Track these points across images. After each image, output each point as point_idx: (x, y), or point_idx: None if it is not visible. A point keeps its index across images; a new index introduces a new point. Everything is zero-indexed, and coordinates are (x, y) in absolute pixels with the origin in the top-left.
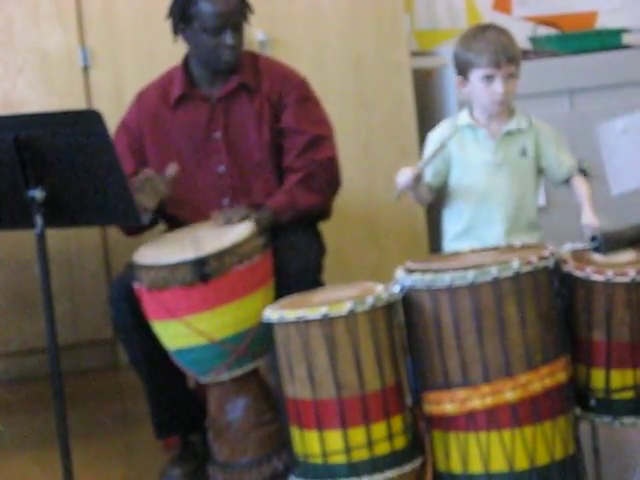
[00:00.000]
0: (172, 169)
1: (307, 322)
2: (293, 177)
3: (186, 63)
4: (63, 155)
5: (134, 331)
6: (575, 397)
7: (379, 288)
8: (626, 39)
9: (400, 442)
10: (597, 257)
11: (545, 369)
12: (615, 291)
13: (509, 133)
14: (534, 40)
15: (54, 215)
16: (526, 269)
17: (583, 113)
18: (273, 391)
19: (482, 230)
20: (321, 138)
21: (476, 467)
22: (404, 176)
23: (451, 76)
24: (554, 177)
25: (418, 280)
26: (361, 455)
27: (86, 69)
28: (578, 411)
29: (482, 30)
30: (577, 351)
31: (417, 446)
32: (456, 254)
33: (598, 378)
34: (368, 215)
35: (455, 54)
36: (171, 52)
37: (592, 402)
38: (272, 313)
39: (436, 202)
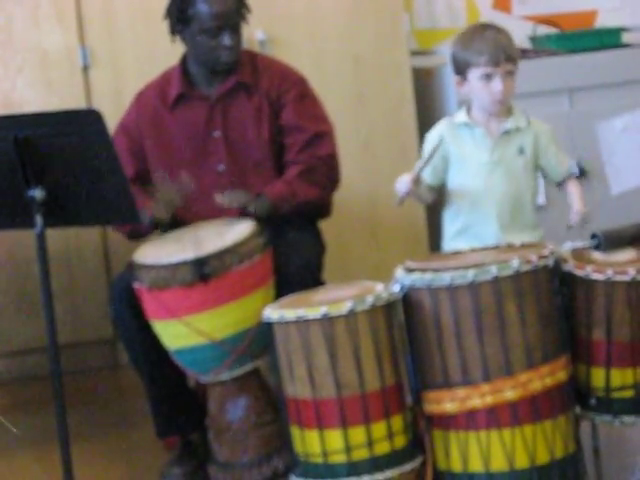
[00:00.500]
0: (187, 182)
1: (307, 321)
2: (294, 169)
3: (184, 63)
4: (63, 155)
5: (134, 331)
6: (575, 396)
7: (379, 287)
8: (626, 38)
9: (400, 441)
10: (597, 256)
11: (545, 368)
12: (615, 290)
13: (507, 132)
14: (534, 39)
15: (54, 215)
16: (526, 268)
17: (583, 112)
18: (273, 391)
19: (479, 229)
20: (322, 135)
21: (476, 466)
22: (403, 183)
23: (451, 75)
24: (553, 176)
25: (418, 279)
26: (361, 454)
27: (86, 69)
28: (578, 410)
29: (480, 29)
30: (577, 350)
31: (417, 445)
32: (456, 253)
33: (598, 377)
34: (368, 214)
35: (453, 54)
36: (170, 52)
37: (592, 401)
38: (272, 312)
39: (437, 201)
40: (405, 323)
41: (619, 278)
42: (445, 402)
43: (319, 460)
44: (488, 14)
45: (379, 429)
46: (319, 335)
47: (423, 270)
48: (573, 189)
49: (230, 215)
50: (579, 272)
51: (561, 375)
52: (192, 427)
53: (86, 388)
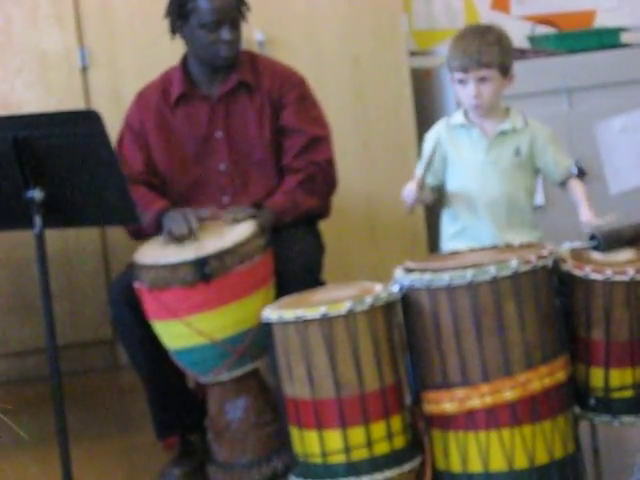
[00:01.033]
0: (209, 213)
1: (306, 322)
2: (293, 178)
3: (184, 63)
4: (62, 155)
5: (134, 331)
6: (574, 396)
7: (378, 288)
8: (624, 38)
9: (399, 441)
10: (596, 256)
11: (544, 368)
12: (614, 290)
13: (503, 133)
14: (532, 39)
15: (53, 215)
16: (525, 268)
17: (582, 112)
18: (273, 391)
19: (476, 230)
20: (320, 139)
21: (475, 466)
22: (409, 192)
23: (449, 76)
24: (551, 177)
25: (417, 279)
26: (360, 455)
27: (84, 70)
28: (577, 410)
29: (462, 33)
30: (576, 350)
31: (416, 445)
32: (455, 254)
33: (597, 377)
34: (367, 214)
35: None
36: (169, 52)
37: (591, 401)
38: (271, 313)
39: (436, 201)
40: (404, 323)
41: (618, 278)
42: (444, 402)
43: (318, 460)
44: (486, 14)
45: (378, 429)
46: (318, 335)
47: (422, 270)
48: (575, 190)
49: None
50: (578, 272)
51: (560, 375)
52: (191, 427)
53: (85, 389)
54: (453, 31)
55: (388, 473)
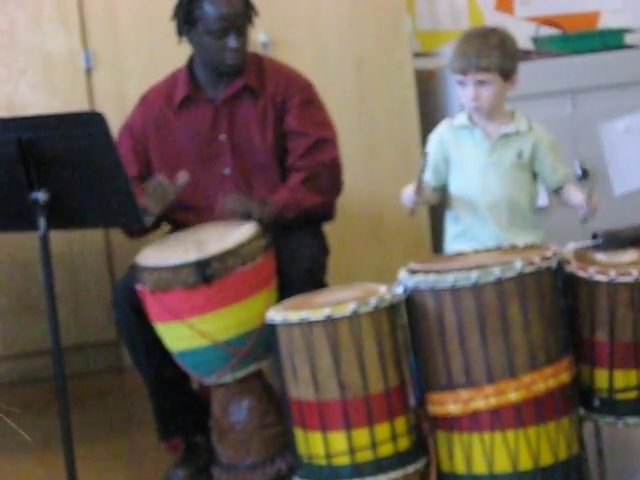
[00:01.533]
0: (183, 178)
1: (310, 323)
2: (297, 175)
3: (190, 65)
4: (66, 157)
5: (137, 333)
6: (579, 397)
7: (382, 289)
8: (628, 39)
9: (404, 443)
10: (600, 257)
11: (549, 369)
12: (618, 291)
13: (506, 135)
14: (536, 40)
15: (57, 217)
16: (529, 269)
17: (586, 113)
18: (277, 392)
19: (478, 231)
20: (325, 141)
21: (480, 467)
22: (407, 197)
23: (453, 77)
24: (546, 183)
25: (421, 281)
26: (365, 456)
27: (89, 71)
28: (582, 411)
29: (466, 35)
30: (580, 351)
31: (421, 447)
32: (459, 255)
33: (601, 378)
34: (371, 216)
35: None
36: (173, 54)
37: (596, 402)
38: (275, 314)
39: (440, 202)
40: (408, 325)
41: (622, 279)
42: (449, 404)
43: (322, 462)
44: (491, 15)
45: (383, 431)
46: (322, 337)
47: (426, 272)
48: (572, 193)
49: (233, 218)
50: (582, 273)
51: (564, 376)
52: (195, 429)
53: (90, 390)
54: (457, 32)
55: (392, 475)
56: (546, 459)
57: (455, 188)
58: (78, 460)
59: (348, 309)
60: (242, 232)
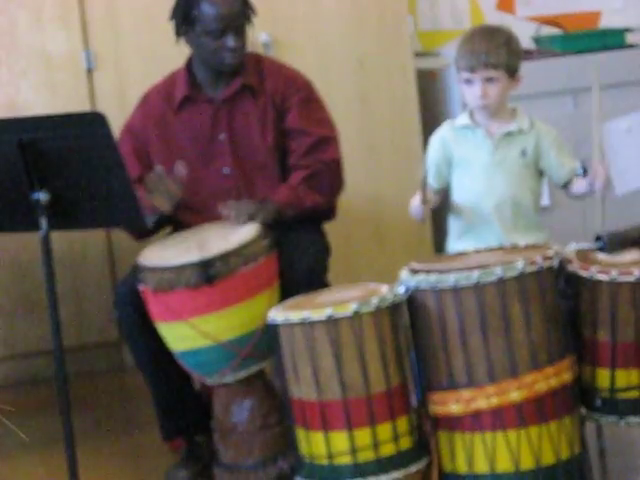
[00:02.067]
0: (181, 168)
1: (312, 323)
2: (299, 174)
3: (189, 65)
4: (67, 158)
5: (140, 333)
6: (580, 397)
7: (384, 289)
8: (629, 38)
9: (406, 443)
10: (602, 257)
11: (550, 369)
12: (620, 290)
13: (509, 134)
14: (538, 40)
15: (59, 217)
16: (531, 269)
17: (587, 113)
18: (278, 393)
19: (482, 230)
20: (326, 139)
21: (482, 467)
22: (415, 209)
23: (455, 77)
24: (555, 179)
25: (423, 281)
26: (367, 456)
27: (90, 72)
28: (584, 411)
29: (472, 33)
30: (582, 351)
31: (423, 447)
32: (460, 254)
33: (603, 378)
34: (373, 216)
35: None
36: (174, 54)
37: (597, 402)
38: (277, 314)
39: (442, 203)
40: (410, 324)
41: (624, 279)
42: (450, 403)
43: (324, 462)
44: (492, 15)
45: (384, 431)
46: (324, 337)
47: (428, 271)
48: (580, 186)
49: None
50: (584, 273)
51: (566, 376)
52: (197, 429)
53: (91, 391)
54: (458, 32)
55: (394, 474)
56: (548, 459)
57: (459, 188)
58: (80, 460)
59: (350, 309)
60: (245, 232)
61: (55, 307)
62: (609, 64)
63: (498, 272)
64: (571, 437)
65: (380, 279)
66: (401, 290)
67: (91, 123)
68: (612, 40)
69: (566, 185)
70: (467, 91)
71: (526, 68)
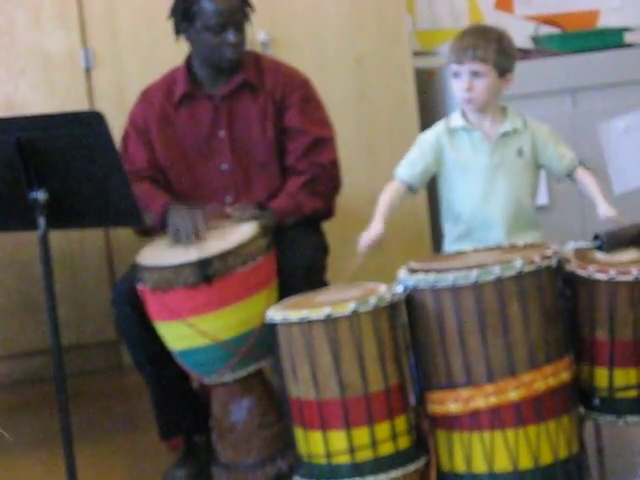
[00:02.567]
0: (214, 211)
1: (310, 322)
2: (297, 180)
3: (189, 62)
4: (66, 157)
5: (138, 332)
6: (579, 396)
7: (382, 288)
8: (628, 38)
9: (404, 442)
10: (600, 256)
11: (549, 368)
12: (618, 290)
13: (505, 134)
14: (536, 39)
15: (57, 217)
16: (529, 268)
17: (585, 112)
18: (277, 392)
19: (482, 232)
20: (324, 140)
21: (480, 467)
22: (364, 242)
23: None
24: (557, 172)
25: (421, 280)
26: (365, 455)
27: (88, 70)
28: (582, 410)
29: (465, 30)
30: (580, 350)
31: (421, 446)
32: (459, 254)
33: (602, 377)
34: (371, 215)
35: None
36: (173, 53)
37: (596, 401)
38: (275, 314)
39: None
40: (408, 324)
41: (622, 278)
42: (449, 403)
43: (323, 461)
44: (490, 14)
45: (383, 430)
46: (322, 336)
47: (426, 271)
48: (585, 180)
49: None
50: (582, 272)
51: (564, 375)
52: (196, 428)
53: (90, 390)
54: (457, 31)
55: (392, 474)
56: (546, 458)
57: (459, 193)
58: (78, 459)
59: (348, 308)
60: (243, 232)
61: (53, 306)
62: (607, 63)
63: (496, 271)
64: (569, 436)
65: (378, 278)
66: (399, 289)
67: (89, 122)
68: (611, 39)
69: (570, 176)
70: (455, 85)
71: (524, 67)
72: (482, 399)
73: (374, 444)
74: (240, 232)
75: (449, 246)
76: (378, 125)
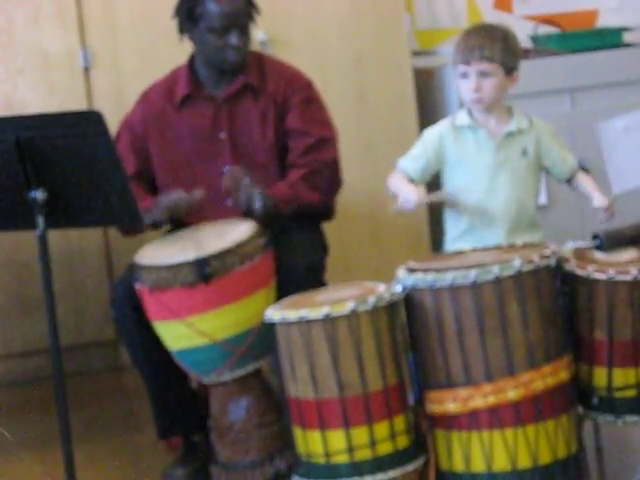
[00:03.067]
0: (198, 195)
1: (309, 322)
2: (297, 172)
3: (191, 63)
4: (64, 156)
5: (136, 332)
6: (577, 396)
7: (381, 288)
8: (627, 37)
9: (403, 441)
10: (599, 256)
11: (547, 368)
12: (617, 289)
13: (510, 134)
14: (535, 39)
15: (56, 216)
16: (528, 268)
17: (584, 112)
18: (275, 391)
19: (484, 231)
20: (325, 140)
21: (479, 466)
22: (408, 203)
23: (452, 75)
24: (558, 175)
25: (420, 279)
26: (364, 455)
27: (87, 70)
28: (581, 410)
29: (470, 29)
30: (579, 350)
31: (420, 445)
32: (458, 253)
33: (600, 377)
34: (370, 215)
35: None
36: (172, 53)
37: (594, 401)
38: (274, 313)
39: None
40: (407, 323)
41: (621, 278)
42: (447, 402)
43: (321, 460)
44: (489, 14)
45: (381, 429)
46: (321, 335)
47: (425, 270)
48: (584, 182)
49: (234, 216)
50: (581, 272)
51: (563, 375)
52: (194, 428)
53: (88, 390)
54: (456, 31)
55: (391, 473)
56: (545, 458)
57: (459, 189)
58: (77, 459)
59: (347, 308)
60: (241, 231)
61: (52, 306)
62: (606, 63)
63: (495, 271)
64: (568, 436)
65: (377, 278)
66: (398, 289)
67: (88, 121)
68: (609, 39)
69: (569, 180)
70: (462, 85)
71: (523, 67)
72: (481, 399)
73: (373, 443)
74: (238, 231)
75: (450, 244)
76: (377, 124)
